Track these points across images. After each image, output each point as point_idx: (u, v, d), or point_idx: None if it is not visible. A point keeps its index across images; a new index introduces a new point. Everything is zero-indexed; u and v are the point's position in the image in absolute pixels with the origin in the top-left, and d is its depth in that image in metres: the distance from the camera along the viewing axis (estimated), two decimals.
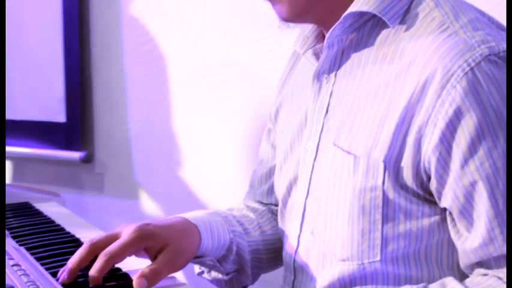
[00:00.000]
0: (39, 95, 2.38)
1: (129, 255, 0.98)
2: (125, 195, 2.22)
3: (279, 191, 1.17)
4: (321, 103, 1.06)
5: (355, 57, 1.03)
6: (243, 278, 1.19)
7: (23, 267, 0.96)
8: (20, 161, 2.50)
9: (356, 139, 0.98)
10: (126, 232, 0.97)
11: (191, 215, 1.10)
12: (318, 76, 1.07)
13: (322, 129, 1.05)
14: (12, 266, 0.95)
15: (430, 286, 0.92)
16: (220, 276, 1.18)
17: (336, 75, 1.05)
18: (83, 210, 2.13)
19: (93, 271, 0.94)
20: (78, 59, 2.24)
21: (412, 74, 0.93)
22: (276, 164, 1.22)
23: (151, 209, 2.15)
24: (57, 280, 0.94)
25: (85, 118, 2.26)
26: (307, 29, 1.13)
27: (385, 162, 0.94)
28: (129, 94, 2.16)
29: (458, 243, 0.94)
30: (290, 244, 1.11)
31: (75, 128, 2.28)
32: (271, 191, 1.26)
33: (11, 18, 2.40)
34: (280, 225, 1.18)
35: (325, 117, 1.05)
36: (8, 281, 0.87)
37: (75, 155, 2.27)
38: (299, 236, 1.08)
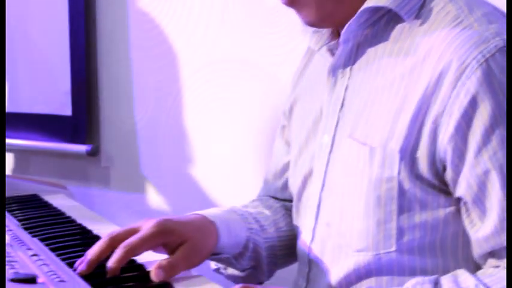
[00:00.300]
0: (45, 88, 2.38)
1: (148, 249, 0.99)
2: (131, 189, 2.22)
3: (294, 185, 1.18)
4: (337, 97, 1.08)
5: (370, 51, 1.04)
6: (259, 274, 1.20)
7: (41, 257, 0.97)
8: (26, 154, 2.50)
9: (372, 131, 1.00)
10: (146, 226, 0.98)
11: (209, 212, 1.11)
12: (333, 71, 1.08)
13: (337, 122, 1.07)
14: (31, 256, 0.96)
15: (442, 278, 0.93)
16: (236, 272, 1.18)
17: (351, 69, 1.06)
18: (89, 203, 2.12)
19: (111, 262, 0.95)
20: (84, 51, 2.23)
21: (427, 66, 0.95)
22: (290, 159, 1.23)
23: (158, 203, 2.15)
24: (74, 271, 0.94)
25: (91, 111, 2.26)
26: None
27: (400, 152, 0.95)
28: (136, 87, 2.16)
29: (471, 233, 0.95)
30: (305, 237, 1.12)
31: (81, 121, 2.28)
32: (285, 186, 1.27)
33: (17, 12, 2.40)
34: (294, 219, 1.19)
35: (340, 111, 1.07)
36: (29, 271, 0.88)
37: (81, 148, 2.27)
38: (314, 228, 1.09)
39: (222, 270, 1.21)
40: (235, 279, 1.20)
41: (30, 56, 2.40)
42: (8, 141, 2.37)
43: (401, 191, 0.96)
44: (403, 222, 0.97)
